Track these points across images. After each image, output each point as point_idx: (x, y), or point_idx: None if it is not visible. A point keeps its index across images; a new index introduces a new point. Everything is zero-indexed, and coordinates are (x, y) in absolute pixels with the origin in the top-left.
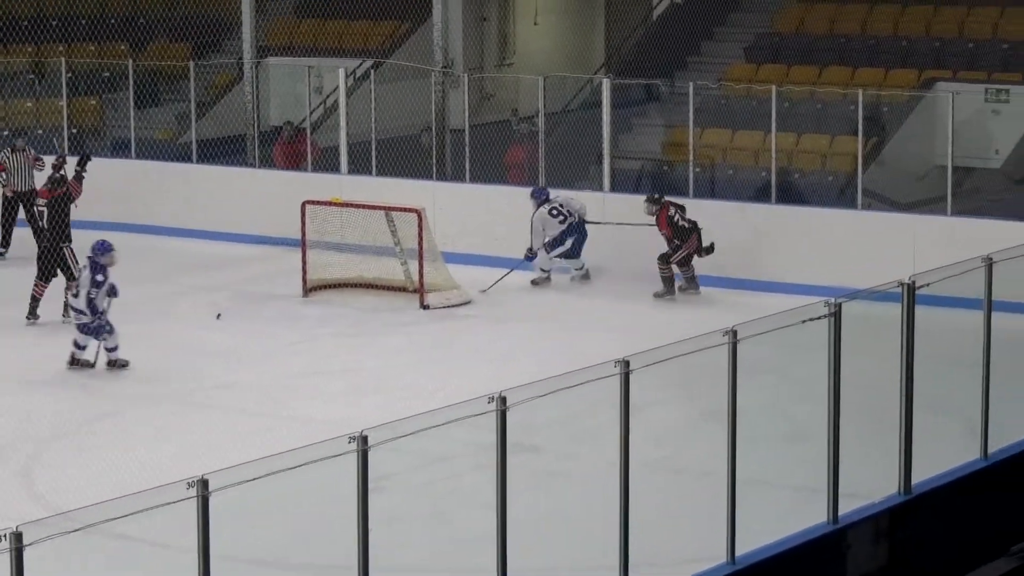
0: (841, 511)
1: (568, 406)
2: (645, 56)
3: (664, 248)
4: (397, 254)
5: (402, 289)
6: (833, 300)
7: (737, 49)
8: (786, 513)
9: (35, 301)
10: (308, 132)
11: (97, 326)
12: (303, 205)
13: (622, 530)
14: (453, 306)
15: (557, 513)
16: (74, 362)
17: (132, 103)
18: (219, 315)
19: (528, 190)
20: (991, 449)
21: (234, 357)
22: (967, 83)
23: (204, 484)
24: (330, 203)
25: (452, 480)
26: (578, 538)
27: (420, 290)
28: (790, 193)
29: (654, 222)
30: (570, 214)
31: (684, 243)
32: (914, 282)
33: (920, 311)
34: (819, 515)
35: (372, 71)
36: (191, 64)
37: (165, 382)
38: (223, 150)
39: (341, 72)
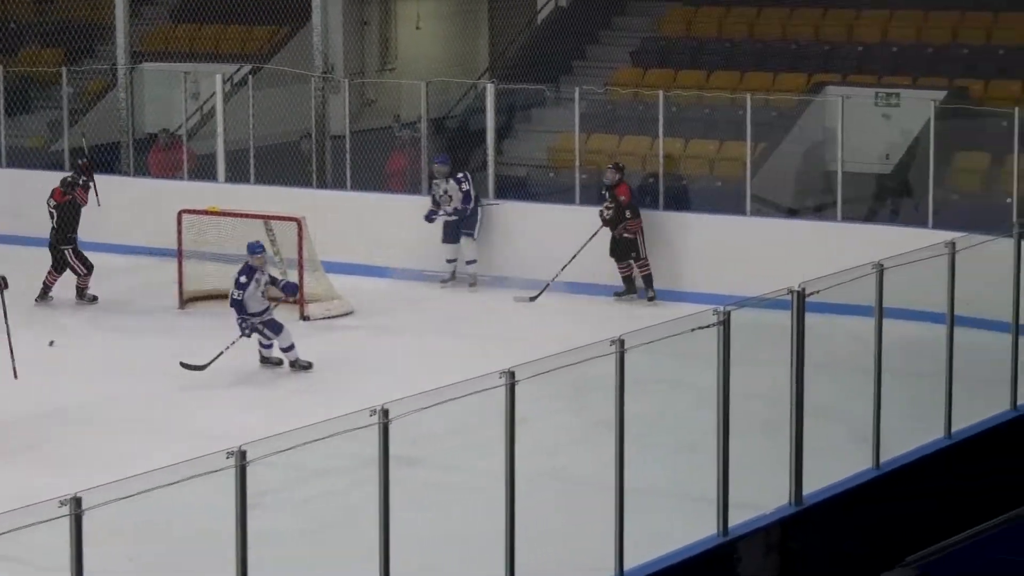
0: (731, 523)
1: (454, 418)
2: (530, 61)
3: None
4: (276, 264)
5: (282, 300)
6: (722, 308)
7: (623, 53)
8: (676, 525)
9: (46, 287)
10: (184, 139)
11: (250, 326)
12: (179, 214)
13: (508, 544)
14: (334, 317)
15: (443, 527)
16: (264, 360)
17: (2, 110)
18: (51, 343)
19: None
20: (883, 458)
21: (114, 370)
22: (857, 87)
23: (77, 502)
24: (207, 212)
25: (334, 495)
26: (464, 552)
27: (300, 301)
28: (678, 199)
29: (610, 192)
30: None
31: (638, 218)
32: (804, 289)
33: (811, 318)
34: (709, 527)
35: (250, 76)
36: (63, 70)
37: (41, 395)
38: (97, 158)
39: (218, 78)
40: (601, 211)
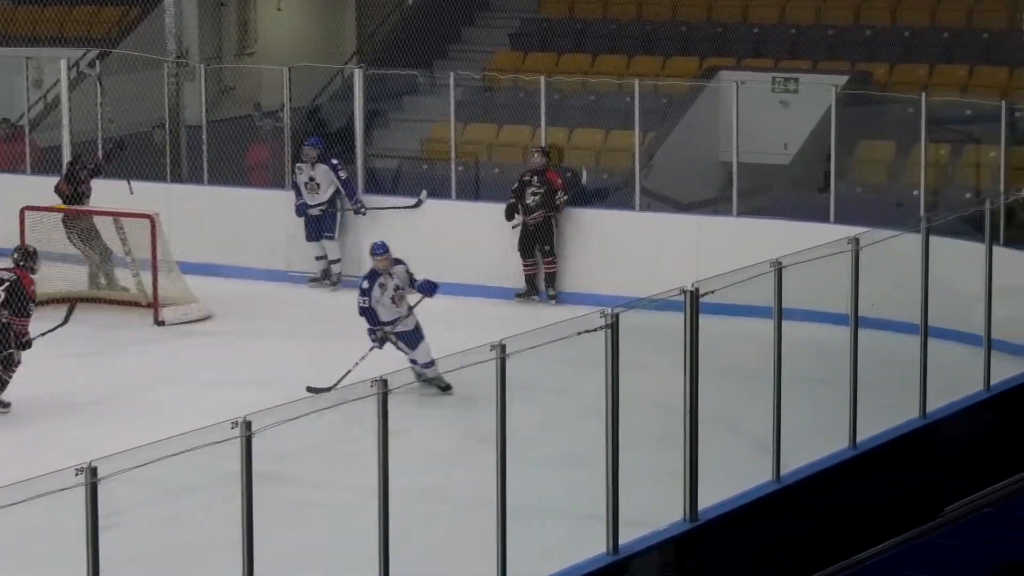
0: (622, 540)
1: (323, 430)
2: (401, 44)
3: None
4: (128, 265)
5: (135, 303)
6: (610, 310)
7: (501, 36)
8: (563, 543)
9: None
10: (27, 130)
11: (380, 338)
12: (22, 211)
13: (382, 566)
14: (192, 321)
15: (311, 548)
16: (418, 378)
17: None
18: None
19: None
20: (784, 471)
21: None
22: (752, 71)
23: None
24: (53, 209)
25: (193, 514)
26: (335, 573)
27: (155, 304)
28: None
29: (539, 177)
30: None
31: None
32: (697, 289)
33: (705, 321)
34: (598, 545)
35: (97, 62)
36: None
37: None
38: None
39: (63, 63)
40: (512, 204)
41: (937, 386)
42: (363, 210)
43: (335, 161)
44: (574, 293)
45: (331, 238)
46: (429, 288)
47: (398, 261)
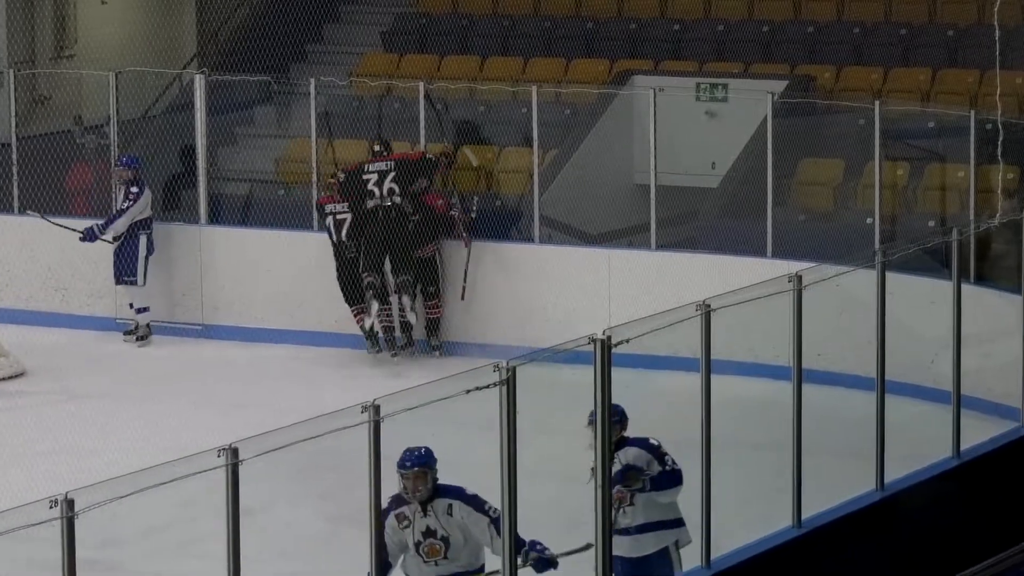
0: None
1: (159, 509)
2: (251, 44)
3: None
4: None
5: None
6: (505, 363)
7: (372, 35)
8: None
9: None
10: None
11: None
12: None
13: None
14: (1, 380)
15: None
16: None
17: None
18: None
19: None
20: (714, 555)
21: None
22: (672, 76)
23: None
24: None
25: None
26: None
27: None
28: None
29: (413, 205)
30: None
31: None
32: (609, 337)
33: (619, 375)
34: None
35: None
36: None
37: None
38: None
39: None
40: None
41: (897, 452)
42: (94, 237)
43: (135, 191)
44: (461, 343)
45: (132, 282)
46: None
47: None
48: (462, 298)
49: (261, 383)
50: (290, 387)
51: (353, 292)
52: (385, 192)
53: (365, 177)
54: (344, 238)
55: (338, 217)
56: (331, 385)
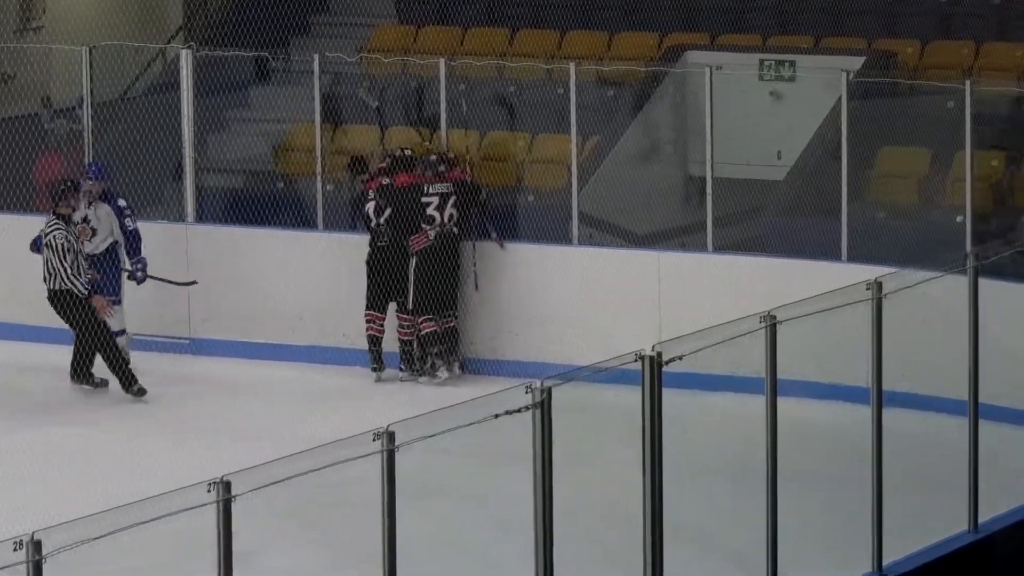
0: None
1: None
2: (245, 16)
3: None
4: None
5: None
6: (539, 383)
7: (385, 4)
8: None
9: None
10: None
11: None
12: None
13: None
14: None
15: None
16: None
17: None
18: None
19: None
20: None
21: None
22: (732, 51)
23: None
24: None
25: None
26: None
27: None
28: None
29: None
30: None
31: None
32: (659, 354)
33: (671, 396)
34: None
35: None
36: None
37: None
38: None
39: None
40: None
41: (992, 487)
42: (140, 274)
43: (123, 204)
44: (486, 361)
45: (117, 302)
46: None
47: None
48: (476, 288)
49: (257, 407)
50: (290, 412)
51: (378, 293)
52: (447, 218)
53: (425, 200)
54: (383, 222)
55: (380, 202)
56: (338, 409)
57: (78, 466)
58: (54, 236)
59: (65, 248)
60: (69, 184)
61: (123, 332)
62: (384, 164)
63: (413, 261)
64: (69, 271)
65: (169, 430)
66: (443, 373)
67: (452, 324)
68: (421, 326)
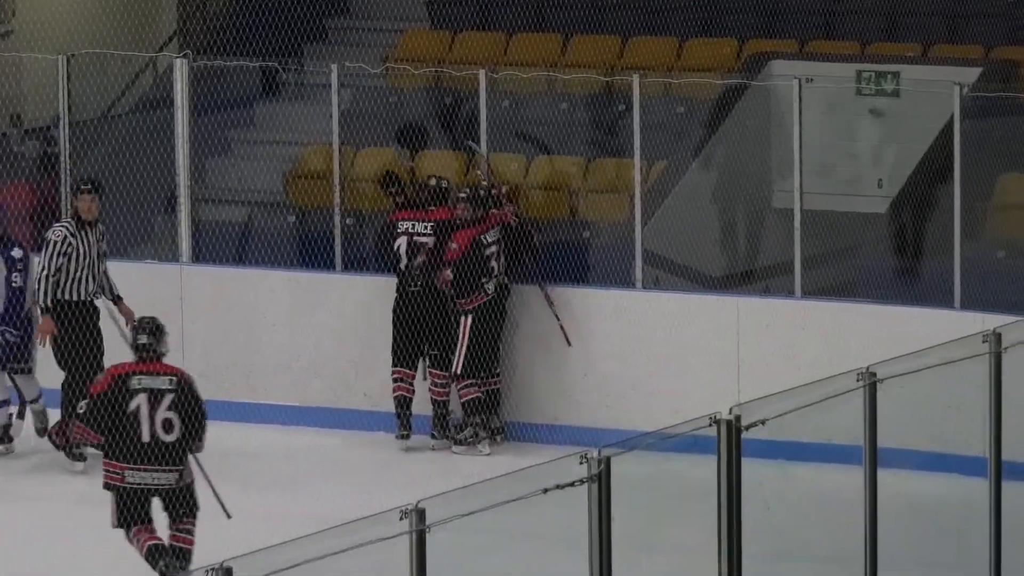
0: None
1: None
2: (250, 20)
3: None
4: None
5: None
6: (596, 452)
7: (415, 6)
8: None
9: None
10: None
11: None
12: None
13: None
14: None
15: None
16: None
17: None
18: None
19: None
20: None
21: None
22: (824, 61)
23: None
24: None
25: None
26: None
27: None
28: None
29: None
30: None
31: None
32: (738, 417)
33: (753, 467)
34: None
35: None
36: None
37: None
38: None
39: None
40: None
41: None
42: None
43: (18, 255)
44: (529, 425)
45: (28, 369)
46: None
47: None
48: (569, 343)
49: (263, 480)
50: (302, 485)
51: (407, 347)
52: (501, 268)
53: (487, 252)
54: (415, 266)
55: (416, 239)
56: (358, 483)
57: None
58: None
59: None
60: None
61: (37, 400)
62: (462, 197)
63: (468, 320)
64: None
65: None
66: (485, 448)
67: (495, 386)
68: (463, 392)
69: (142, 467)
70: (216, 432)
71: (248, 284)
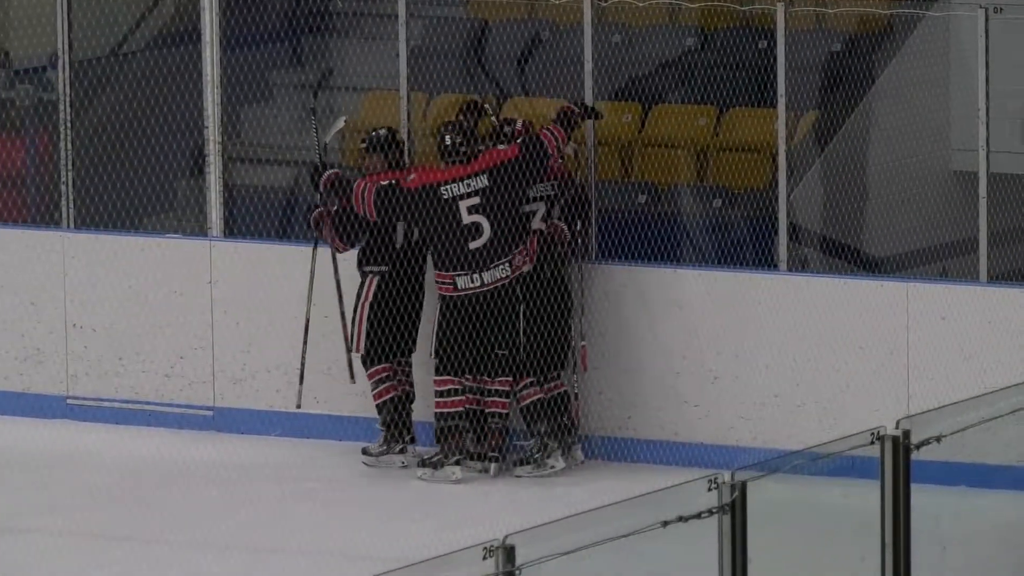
0: None
1: None
2: None
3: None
4: None
5: None
6: (728, 476)
7: None
8: None
9: None
10: None
11: None
12: None
13: None
14: None
15: None
16: None
17: None
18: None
19: None
20: None
21: None
22: None
23: None
24: None
25: None
26: None
27: None
28: (629, 235)
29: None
30: None
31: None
32: (907, 433)
33: (924, 495)
34: None
35: None
36: None
37: None
38: None
39: None
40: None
41: None
42: None
43: None
44: (619, 439)
45: None
46: None
47: None
48: (584, 369)
49: (309, 508)
50: (360, 515)
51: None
52: (564, 237)
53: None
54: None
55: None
56: (429, 512)
57: None
58: None
59: None
60: None
61: None
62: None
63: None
64: None
65: (175, 542)
66: (558, 461)
67: (562, 388)
68: (522, 393)
69: None
70: (248, 449)
71: (293, 264)
